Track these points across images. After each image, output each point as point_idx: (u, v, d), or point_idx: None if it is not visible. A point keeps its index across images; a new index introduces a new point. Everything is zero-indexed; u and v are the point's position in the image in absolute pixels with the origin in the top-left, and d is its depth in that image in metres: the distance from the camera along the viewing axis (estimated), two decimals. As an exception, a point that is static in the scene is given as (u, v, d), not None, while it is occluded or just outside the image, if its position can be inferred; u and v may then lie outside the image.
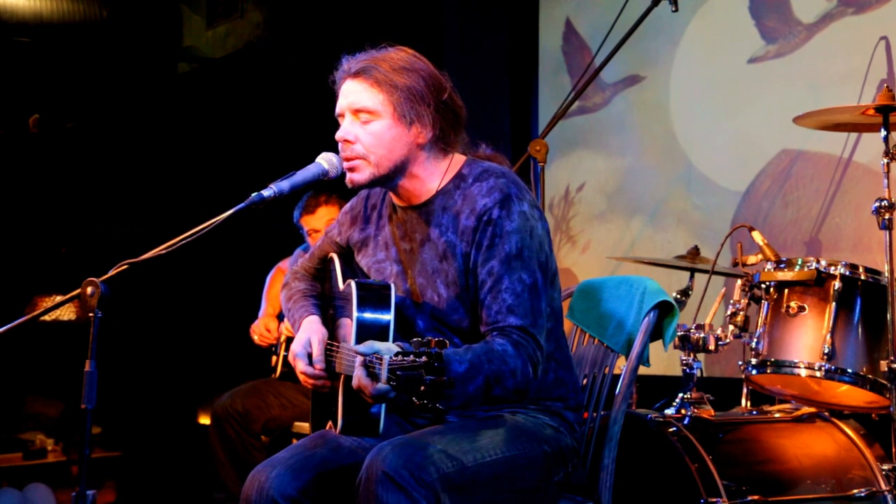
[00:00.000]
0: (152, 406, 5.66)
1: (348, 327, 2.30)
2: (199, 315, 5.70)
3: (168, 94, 6.13)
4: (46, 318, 2.24)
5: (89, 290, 1.91)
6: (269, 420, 4.08)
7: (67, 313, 5.53)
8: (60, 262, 5.73)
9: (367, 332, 2.20)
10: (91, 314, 1.89)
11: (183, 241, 2.06)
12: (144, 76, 6.03)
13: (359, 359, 2.00)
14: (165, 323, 5.74)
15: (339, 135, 2.27)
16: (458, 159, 2.34)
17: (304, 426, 4.02)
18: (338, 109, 2.30)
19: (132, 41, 5.94)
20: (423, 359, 1.81)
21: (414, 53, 2.30)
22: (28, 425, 5.45)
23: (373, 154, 2.24)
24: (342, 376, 2.26)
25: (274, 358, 4.25)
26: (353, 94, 2.26)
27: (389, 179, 2.29)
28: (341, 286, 2.41)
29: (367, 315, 2.22)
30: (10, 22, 5.62)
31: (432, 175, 2.30)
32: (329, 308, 2.49)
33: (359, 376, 1.99)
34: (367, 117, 2.24)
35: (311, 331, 2.37)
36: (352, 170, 2.26)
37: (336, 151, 2.31)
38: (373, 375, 1.94)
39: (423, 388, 1.79)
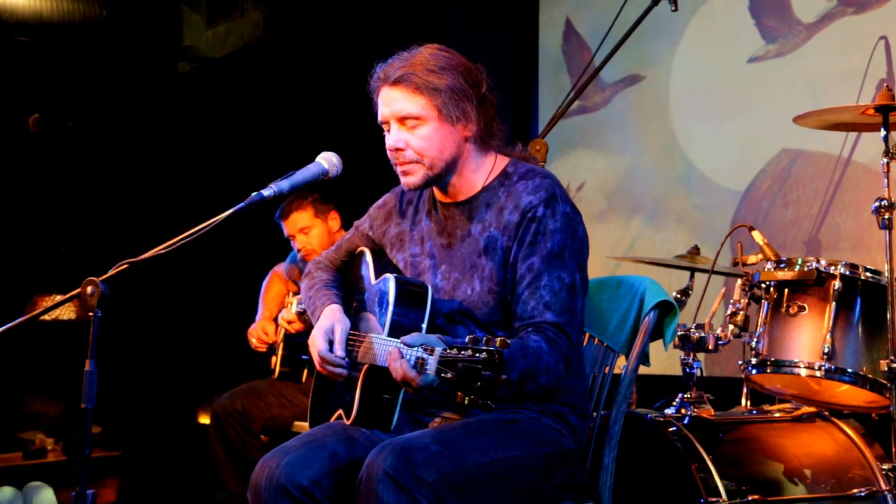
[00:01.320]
0: (152, 406, 5.65)
1: (372, 322, 2.31)
2: (198, 315, 5.70)
3: (168, 94, 6.13)
4: (46, 317, 2.24)
5: (89, 289, 1.91)
6: (268, 420, 4.08)
7: (67, 313, 5.53)
8: (60, 262, 5.73)
9: (401, 330, 2.20)
10: (91, 314, 1.90)
11: (183, 241, 2.06)
12: (144, 76, 6.02)
13: (405, 349, 1.99)
14: (165, 323, 5.74)
15: (389, 144, 2.29)
16: (502, 159, 2.38)
17: (303, 426, 4.01)
18: (381, 118, 2.32)
19: (132, 41, 5.94)
20: (484, 355, 1.83)
21: (447, 50, 2.32)
22: (28, 425, 5.45)
23: (426, 157, 2.27)
24: (364, 367, 2.26)
25: (273, 358, 4.25)
26: (395, 101, 2.27)
27: (441, 178, 2.32)
28: (373, 280, 2.42)
29: (403, 313, 2.23)
30: (10, 22, 5.62)
31: (478, 171, 2.35)
32: (353, 301, 2.50)
33: (404, 367, 1.99)
34: (414, 123, 2.26)
35: (334, 318, 2.39)
36: (406, 174, 2.30)
37: (336, 152, 2.31)
38: (419, 367, 1.94)
39: (479, 383, 1.82)
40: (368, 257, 2.51)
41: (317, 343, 2.35)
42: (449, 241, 2.36)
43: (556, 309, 2.18)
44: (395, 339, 2.08)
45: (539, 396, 2.20)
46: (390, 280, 2.28)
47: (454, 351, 1.87)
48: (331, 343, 2.34)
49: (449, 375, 1.86)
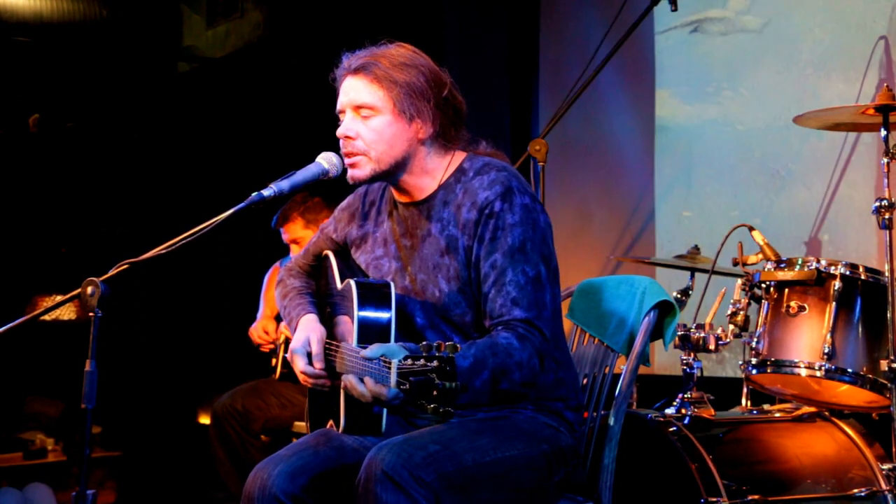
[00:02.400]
0: (152, 406, 5.65)
1: (347, 325, 2.29)
2: (198, 315, 5.70)
3: (168, 93, 6.12)
4: (46, 318, 2.24)
5: (89, 289, 1.91)
6: (268, 420, 4.08)
7: (67, 313, 5.53)
8: (60, 262, 5.73)
9: (369, 331, 2.19)
10: (91, 314, 1.89)
11: (183, 241, 2.06)
12: (144, 76, 6.02)
13: (366, 365, 1.96)
14: (165, 323, 5.74)
15: (340, 131, 2.28)
16: (459, 155, 2.35)
17: (303, 426, 4.00)
18: (339, 106, 2.31)
19: (132, 41, 5.93)
20: (435, 363, 1.80)
21: (414, 49, 2.31)
22: (28, 425, 5.44)
23: (374, 150, 2.25)
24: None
25: (274, 359, 4.26)
26: (353, 90, 2.27)
27: (390, 175, 2.29)
28: (339, 285, 2.40)
29: (369, 314, 2.21)
30: (10, 22, 5.62)
31: (434, 171, 2.32)
32: (326, 306, 2.49)
33: (369, 387, 1.97)
34: (368, 113, 2.25)
35: (309, 329, 2.37)
36: (353, 166, 2.27)
37: (337, 150, 2.31)
38: (382, 380, 1.92)
39: (434, 392, 1.79)
40: (332, 260, 2.49)
41: (296, 360, 2.34)
42: (412, 241, 2.34)
43: (524, 304, 2.15)
44: (363, 348, 2.03)
45: (515, 394, 2.17)
46: (351, 284, 2.26)
47: (409, 361, 1.83)
48: (309, 356, 2.33)
49: (407, 387, 1.82)
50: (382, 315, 2.22)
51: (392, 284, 2.26)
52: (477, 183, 2.26)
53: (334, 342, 2.35)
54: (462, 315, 2.26)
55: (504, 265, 2.17)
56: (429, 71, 2.27)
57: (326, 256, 2.53)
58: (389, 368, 1.87)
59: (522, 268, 2.17)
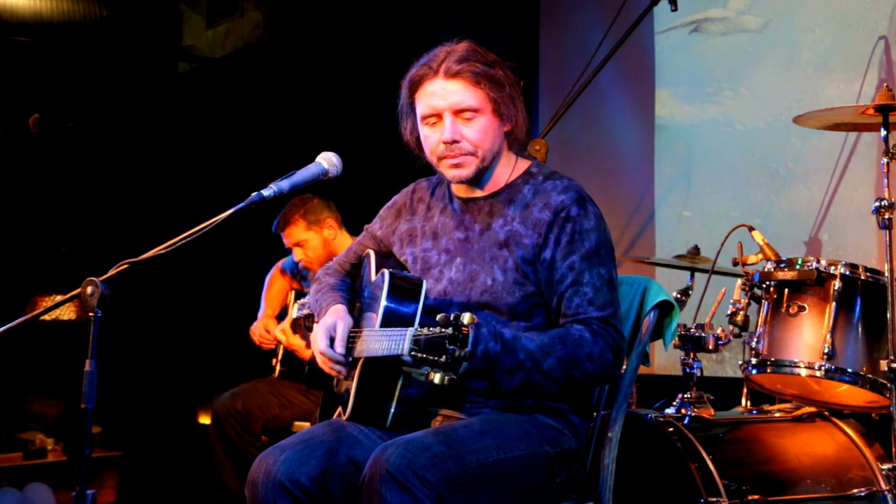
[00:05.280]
0: (152, 406, 5.66)
1: (373, 320, 2.32)
2: (198, 315, 5.70)
3: (168, 93, 6.13)
4: (46, 317, 2.25)
5: (89, 289, 1.91)
6: (269, 420, 4.08)
7: (67, 313, 5.53)
8: (60, 262, 5.73)
9: (393, 320, 2.24)
10: (91, 314, 1.89)
11: (183, 241, 2.06)
12: (144, 76, 6.03)
13: (384, 334, 2.09)
14: (165, 323, 5.74)
15: (445, 136, 2.30)
16: (524, 161, 2.44)
17: (304, 426, 4.02)
18: (430, 110, 2.32)
19: (132, 41, 5.94)
20: (450, 330, 1.93)
21: (482, 47, 2.37)
22: (28, 425, 5.45)
23: (480, 149, 2.32)
24: (359, 364, 2.28)
25: (274, 360, 4.25)
26: (452, 94, 2.29)
27: (486, 170, 2.36)
28: (373, 278, 2.43)
29: (395, 305, 2.27)
30: (10, 22, 5.63)
31: (505, 167, 2.40)
32: (357, 302, 2.52)
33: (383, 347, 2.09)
34: (471, 115, 2.30)
35: (337, 316, 2.40)
36: (458, 166, 2.32)
37: (331, 150, 2.30)
38: (398, 347, 2.05)
39: (444, 357, 1.93)
40: (372, 258, 2.53)
41: (318, 341, 2.37)
42: (467, 234, 2.39)
43: (599, 304, 2.24)
44: (386, 330, 2.15)
45: (586, 384, 2.25)
46: (385, 274, 2.32)
47: (425, 330, 1.96)
48: (332, 340, 2.35)
49: (418, 354, 1.95)
50: (409, 307, 2.27)
51: (424, 283, 2.31)
52: (549, 186, 2.35)
53: (358, 330, 2.38)
54: (514, 304, 2.30)
55: (582, 268, 2.26)
56: (508, 68, 2.36)
57: (367, 255, 2.56)
58: (405, 336, 2.01)
59: (598, 270, 2.27)
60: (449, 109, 2.29)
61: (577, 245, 2.27)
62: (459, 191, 2.43)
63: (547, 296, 2.30)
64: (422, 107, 2.33)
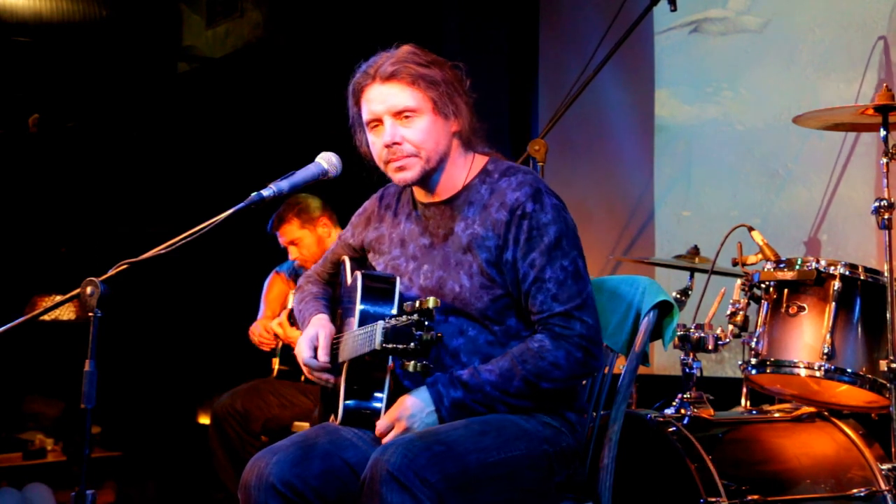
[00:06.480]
0: (152, 406, 5.65)
1: (353, 324, 2.33)
2: (198, 315, 5.70)
3: (168, 93, 6.13)
4: (46, 317, 2.25)
5: (89, 289, 1.91)
6: (268, 420, 4.08)
7: (67, 313, 5.53)
8: (60, 262, 5.73)
9: (370, 320, 2.24)
10: (91, 314, 1.89)
11: (182, 241, 2.06)
12: (144, 76, 6.03)
13: (360, 333, 2.15)
14: (165, 323, 5.74)
15: (385, 140, 2.28)
16: (481, 158, 2.40)
17: (303, 426, 4.02)
18: (371, 115, 2.31)
19: (132, 41, 5.94)
20: (415, 317, 2.01)
21: (421, 48, 2.34)
22: (28, 425, 5.45)
23: (423, 150, 2.29)
24: (344, 369, 2.30)
25: (274, 360, 4.25)
26: (389, 96, 2.28)
27: (433, 173, 2.33)
28: (349, 281, 2.44)
29: (371, 305, 2.29)
30: (10, 22, 5.63)
31: (460, 169, 2.37)
32: (338, 309, 2.53)
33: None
34: (410, 115, 2.28)
35: (318, 326, 2.42)
36: (402, 168, 2.30)
37: (335, 150, 2.31)
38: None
39: (413, 343, 2.02)
40: (347, 264, 2.54)
41: (301, 352, 2.40)
42: (431, 240, 2.38)
43: (563, 298, 2.22)
44: (361, 328, 2.20)
45: (560, 391, 2.26)
46: (357, 276, 2.34)
47: (393, 321, 2.05)
48: (315, 349, 2.38)
49: (388, 344, 2.03)
50: (384, 306, 2.28)
51: (397, 279, 2.32)
52: (504, 184, 2.31)
53: (341, 336, 2.39)
54: (483, 309, 2.29)
55: (543, 263, 2.24)
56: (450, 66, 2.33)
57: (343, 262, 2.57)
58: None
59: (560, 263, 2.24)
60: (388, 112, 2.28)
61: (535, 242, 2.24)
62: (420, 196, 2.41)
63: (515, 296, 2.29)
64: (365, 114, 2.32)
